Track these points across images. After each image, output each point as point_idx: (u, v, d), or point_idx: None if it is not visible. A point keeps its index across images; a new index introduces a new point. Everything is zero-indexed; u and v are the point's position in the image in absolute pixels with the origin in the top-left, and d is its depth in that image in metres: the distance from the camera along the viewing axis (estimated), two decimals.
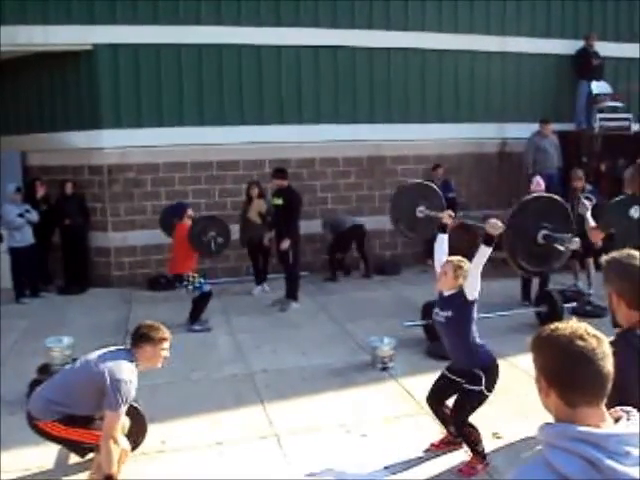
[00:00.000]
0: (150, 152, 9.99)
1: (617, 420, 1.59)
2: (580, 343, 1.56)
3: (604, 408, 1.58)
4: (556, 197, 4.00)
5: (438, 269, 4.61)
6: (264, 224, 9.36)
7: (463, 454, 4.59)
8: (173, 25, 9.87)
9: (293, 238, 8.53)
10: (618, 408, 1.62)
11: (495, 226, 4.15)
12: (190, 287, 7.74)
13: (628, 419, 1.58)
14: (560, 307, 7.49)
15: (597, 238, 5.64)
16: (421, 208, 5.10)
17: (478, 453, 4.36)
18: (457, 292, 4.34)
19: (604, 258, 2.47)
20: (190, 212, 8.03)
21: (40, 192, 9.75)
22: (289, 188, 8.70)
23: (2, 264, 9.81)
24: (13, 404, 5.46)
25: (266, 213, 9.35)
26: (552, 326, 1.63)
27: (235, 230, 9.74)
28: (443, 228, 4.78)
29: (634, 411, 1.61)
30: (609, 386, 1.58)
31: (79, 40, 9.64)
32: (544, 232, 3.86)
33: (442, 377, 4.62)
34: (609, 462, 1.47)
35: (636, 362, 2.19)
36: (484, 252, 4.18)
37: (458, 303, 4.32)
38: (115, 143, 9.93)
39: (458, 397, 4.42)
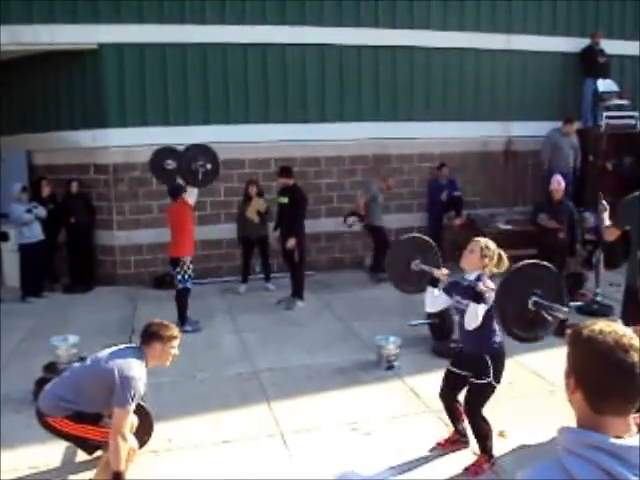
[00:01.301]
0: None
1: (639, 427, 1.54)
2: (621, 355, 1.50)
3: (630, 419, 1.53)
4: (550, 266, 3.99)
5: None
6: (263, 223, 9.36)
7: (469, 453, 4.58)
8: (178, 24, 9.87)
9: (298, 237, 8.53)
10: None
11: (487, 288, 4.15)
12: (179, 276, 7.68)
13: None
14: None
15: (612, 236, 5.59)
16: (416, 262, 5.10)
17: (486, 450, 4.36)
18: (479, 277, 4.33)
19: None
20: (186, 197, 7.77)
21: (46, 191, 9.76)
22: (295, 186, 8.70)
23: (8, 263, 9.85)
24: (19, 402, 5.48)
25: (265, 212, 9.35)
26: (596, 326, 1.56)
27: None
28: (433, 282, 4.71)
29: None
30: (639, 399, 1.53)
31: (84, 39, 9.65)
32: (534, 299, 3.86)
33: (448, 373, 4.63)
34: (631, 477, 1.43)
35: None
36: (474, 310, 4.18)
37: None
38: (120, 142, 9.94)
39: (468, 392, 4.43)
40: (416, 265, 5.06)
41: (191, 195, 7.63)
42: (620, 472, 1.43)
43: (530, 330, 4.00)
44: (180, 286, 7.73)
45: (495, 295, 4.02)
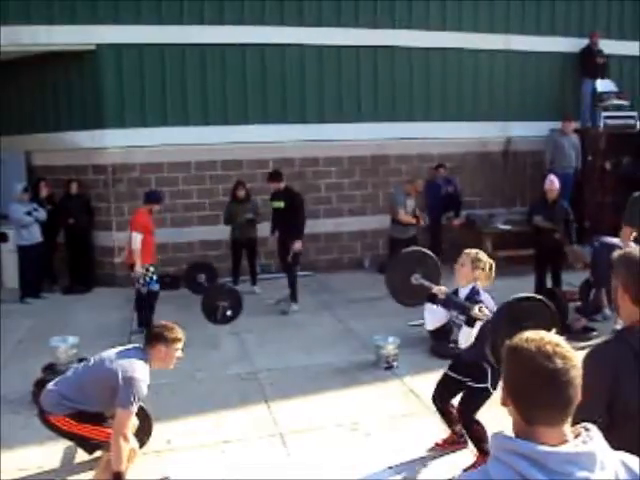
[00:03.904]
0: (154, 152, 10.00)
1: (576, 438, 1.51)
2: (542, 361, 1.48)
3: (565, 428, 1.50)
4: (544, 300, 3.95)
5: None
6: (252, 225, 9.27)
7: (467, 454, 4.58)
8: (176, 25, 9.86)
9: (301, 239, 8.49)
10: (580, 425, 1.54)
11: (483, 312, 4.13)
12: (141, 281, 7.56)
13: (584, 439, 1.49)
14: (564, 306, 7.46)
15: (628, 236, 5.44)
16: (416, 275, 5.09)
17: (484, 452, 4.35)
18: (472, 289, 4.35)
19: (616, 252, 2.45)
20: (157, 207, 7.84)
21: (44, 192, 9.76)
22: (287, 189, 8.65)
23: (7, 264, 9.84)
24: (17, 404, 5.48)
25: (254, 214, 9.25)
26: (524, 336, 1.55)
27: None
28: (431, 297, 4.70)
29: (594, 429, 1.52)
30: (571, 409, 1.50)
31: (83, 40, 9.64)
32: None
33: (445, 377, 4.63)
34: None
35: (628, 362, 2.14)
36: (467, 332, 4.19)
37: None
38: (119, 143, 9.94)
39: (464, 395, 4.44)
40: (416, 279, 5.04)
41: (134, 238, 7.49)
42: (534, 477, 1.42)
43: None
44: (144, 290, 7.58)
45: (488, 324, 3.99)
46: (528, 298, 3.94)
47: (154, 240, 7.79)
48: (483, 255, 4.41)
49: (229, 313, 7.32)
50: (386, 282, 5.30)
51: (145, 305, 7.71)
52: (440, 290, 4.69)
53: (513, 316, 3.81)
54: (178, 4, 9.87)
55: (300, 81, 10.57)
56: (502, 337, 3.89)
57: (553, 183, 8.18)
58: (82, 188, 10.06)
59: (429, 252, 5.37)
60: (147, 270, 7.59)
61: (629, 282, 2.29)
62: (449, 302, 4.49)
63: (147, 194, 8.00)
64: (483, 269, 4.34)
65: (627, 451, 1.59)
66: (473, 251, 4.45)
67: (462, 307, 4.33)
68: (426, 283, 4.88)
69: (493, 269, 4.45)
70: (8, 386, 5.88)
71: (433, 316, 4.68)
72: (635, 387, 2.11)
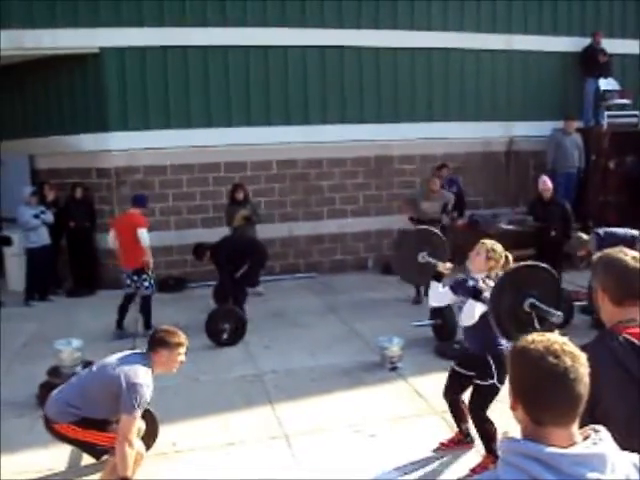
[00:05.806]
0: (157, 154, 10.01)
1: (586, 440, 1.51)
2: (552, 360, 1.49)
3: (574, 429, 1.51)
4: (549, 268, 3.95)
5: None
6: (251, 226, 9.18)
7: (473, 453, 4.58)
8: (179, 27, 9.88)
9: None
10: (589, 427, 1.54)
11: (487, 285, 4.17)
12: (146, 283, 7.63)
13: (594, 440, 1.50)
14: (570, 305, 7.42)
15: None
16: (423, 254, 5.09)
17: (491, 451, 4.34)
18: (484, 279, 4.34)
19: (596, 254, 2.45)
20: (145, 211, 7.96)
21: (50, 196, 9.78)
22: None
23: (12, 267, 9.86)
24: (22, 406, 5.49)
25: (251, 214, 9.14)
26: (530, 337, 1.57)
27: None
28: (437, 276, 4.72)
29: (603, 430, 1.53)
30: (580, 408, 1.51)
31: (86, 43, 9.66)
32: (531, 300, 3.83)
33: (452, 373, 4.63)
34: None
35: (609, 366, 2.12)
36: (471, 307, 4.22)
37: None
38: (122, 145, 9.95)
39: (472, 393, 4.44)
40: (423, 257, 5.05)
41: (144, 236, 7.57)
42: (546, 479, 1.42)
43: (520, 329, 3.96)
44: (149, 292, 7.67)
45: (492, 289, 4.01)
46: (530, 266, 3.94)
47: None
48: (499, 246, 4.39)
49: (225, 337, 7.24)
50: (393, 260, 5.28)
51: (146, 308, 7.73)
52: (445, 267, 4.72)
53: (517, 284, 3.81)
54: (180, 6, 9.89)
55: (303, 82, 10.57)
56: (506, 304, 3.92)
57: (546, 183, 8.48)
58: (86, 191, 10.07)
59: (437, 231, 5.37)
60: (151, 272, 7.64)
61: (607, 283, 2.28)
62: (459, 284, 4.45)
63: (136, 197, 8.02)
64: (497, 260, 4.34)
65: None
66: (489, 241, 4.45)
67: (471, 287, 4.31)
68: (433, 261, 4.89)
69: (510, 260, 4.39)
70: (13, 389, 5.89)
71: (437, 295, 4.69)
72: (616, 393, 2.08)
